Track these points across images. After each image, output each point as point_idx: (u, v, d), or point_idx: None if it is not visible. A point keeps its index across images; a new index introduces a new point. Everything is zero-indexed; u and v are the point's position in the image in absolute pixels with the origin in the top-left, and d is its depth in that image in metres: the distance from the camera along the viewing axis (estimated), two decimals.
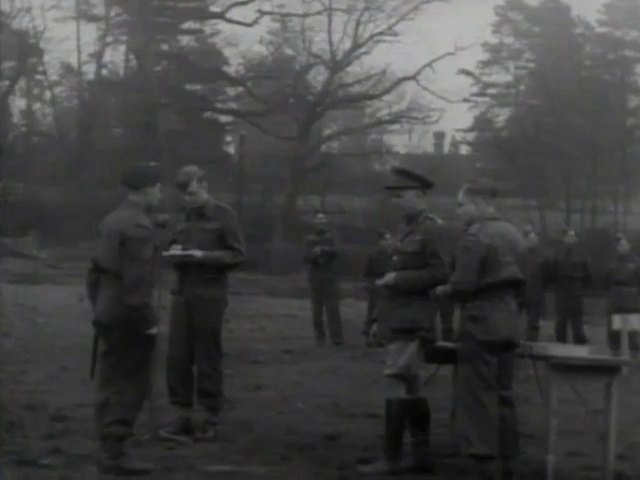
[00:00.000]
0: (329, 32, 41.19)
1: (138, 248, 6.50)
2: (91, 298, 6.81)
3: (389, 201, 7.30)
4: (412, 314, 6.83)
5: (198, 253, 7.70)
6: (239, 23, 41.48)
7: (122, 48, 42.80)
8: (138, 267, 6.47)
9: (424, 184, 7.06)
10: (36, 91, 44.39)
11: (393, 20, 40.77)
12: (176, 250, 7.81)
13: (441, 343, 7.40)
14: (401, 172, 7.13)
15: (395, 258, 6.98)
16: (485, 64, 45.47)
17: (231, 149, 46.69)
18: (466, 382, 6.52)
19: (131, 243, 6.50)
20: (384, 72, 41.34)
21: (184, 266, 7.83)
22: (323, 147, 45.16)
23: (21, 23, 40.17)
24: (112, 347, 6.61)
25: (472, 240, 6.55)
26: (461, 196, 6.79)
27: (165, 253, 7.84)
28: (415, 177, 7.04)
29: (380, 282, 6.99)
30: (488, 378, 6.45)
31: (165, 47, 42.96)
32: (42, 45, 41.01)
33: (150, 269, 6.60)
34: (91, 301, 6.81)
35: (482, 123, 46.48)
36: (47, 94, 43.91)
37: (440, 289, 6.80)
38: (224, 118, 45.22)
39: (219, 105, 44.63)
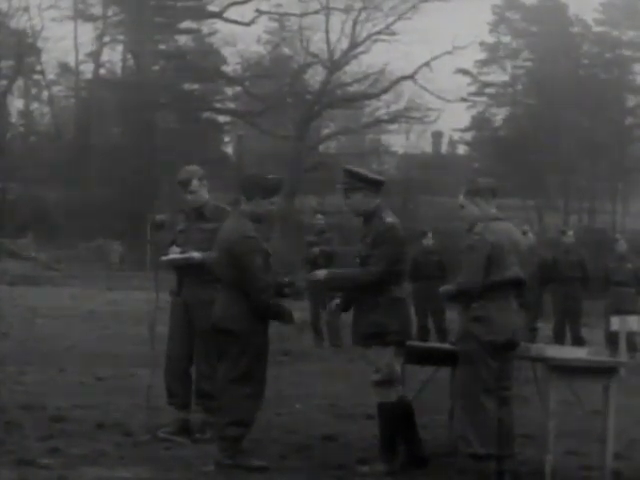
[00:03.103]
0: (327, 31, 41.23)
1: (250, 259, 6.74)
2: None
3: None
4: (378, 319, 6.76)
5: (197, 255, 7.68)
6: (237, 22, 41.51)
7: (120, 48, 42.82)
8: (255, 275, 6.73)
9: (372, 184, 6.95)
10: (34, 91, 44.40)
11: (391, 19, 40.82)
12: (175, 254, 7.80)
13: (437, 345, 7.40)
14: (348, 173, 7.01)
15: (358, 261, 6.95)
16: (483, 63, 45.50)
17: (229, 149, 46.72)
18: (465, 383, 6.52)
19: (242, 256, 6.75)
20: (382, 71, 41.36)
21: (183, 267, 7.83)
22: (321, 147, 45.16)
23: (19, 22, 40.22)
24: (228, 349, 6.79)
25: (478, 239, 6.51)
26: (462, 199, 6.75)
27: (164, 258, 7.84)
28: (362, 178, 6.93)
29: (311, 277, 7.05)
30: (488, 380, 6.44)
31: (163, 46, 42.94)
32: (40, 44, 41.08)
33: (266, 274, 6.84)
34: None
35: (480, 122, 46.50)
36: (45, 94, 43.95)
37: (443, 289, 6.78)
38: (222, 118, 45.24)
39: (217, 105, 44.63)
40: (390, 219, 6.85)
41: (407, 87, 42.19)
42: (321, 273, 6.98)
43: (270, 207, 7.01)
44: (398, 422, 6.87)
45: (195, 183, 7.90)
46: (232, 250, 6.76)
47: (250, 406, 6.82)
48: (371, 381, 6.85)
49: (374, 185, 6.94)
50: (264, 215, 7.02)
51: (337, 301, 7.13)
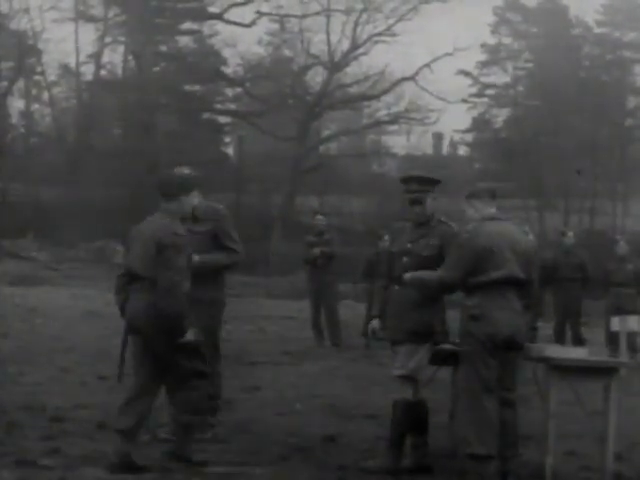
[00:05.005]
0: (327, 33, 41.19)
1: (174, 256, 6.58)
2: (119, 303, 6.87)
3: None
4: (428, 317, 6.84)
5: (194, 258, 7.66)
6: (237, 24, 41.47)
7: (121, 49, 42.76)
8: (173, 275, 6.54)
9: (436, 185, 7.10)
10: (34, 92, 44.29)
11: (391, 21, 40.77)
12: None
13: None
14: (423, 180, 7.04)
15: (405, 259, 6.95)
16: (483, 65, 45.47)
17: (230, 150, 46.67)
18: (466, 383, 6.53)
19: (167, 251, 6.58)
20: (382, 73, 41.33)
21: None
22: (322, 148, 45.12)
23: (19, 24, 40.13)
24: (152, 351, 6.72)
25: (465, 239, 6.62)
26: (463, 203, 6.83)
27: None
28: (433, 181, 7.07)
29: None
30: (488, 380, 6.45)
31: (164, 48, 42.93)
32: (40, 46, 40.99)
33: (184, 277, 6.65)
34: (119, 306, 6.88)
35: (481, 124, 46.45)
36: (45, 95, 43.85)
37: (408, 275, 6.79)
38: (223, 119, 45.21)
39: (218, 106, 44.63)
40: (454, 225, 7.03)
41: (408, 88, 42.20)
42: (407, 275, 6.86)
43: (193, 202, 7.00)
44: (409, 422, 6.88)
45: None
46: (159, 246, 6.61)
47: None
48: (393, 375, 6.89)
49: (437, 185, 7.05)
50: (188, 212, 6.99)
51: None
